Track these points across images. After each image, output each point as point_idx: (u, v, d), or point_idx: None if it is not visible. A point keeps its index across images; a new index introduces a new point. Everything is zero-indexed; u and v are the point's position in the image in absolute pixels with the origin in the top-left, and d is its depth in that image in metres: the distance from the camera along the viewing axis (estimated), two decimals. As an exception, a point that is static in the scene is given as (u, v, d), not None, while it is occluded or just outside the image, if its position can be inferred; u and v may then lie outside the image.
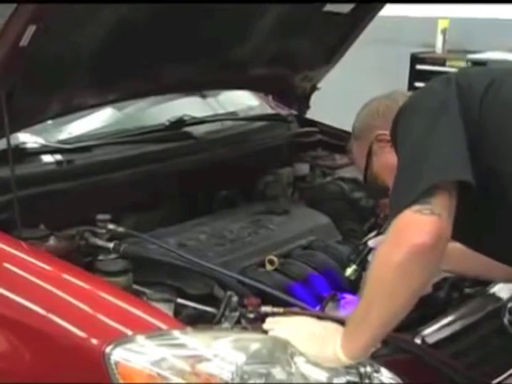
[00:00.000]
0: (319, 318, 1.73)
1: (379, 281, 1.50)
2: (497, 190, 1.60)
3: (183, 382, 1.54)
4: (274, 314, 1.74)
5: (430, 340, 1.82)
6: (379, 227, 2.16)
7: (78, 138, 2.55)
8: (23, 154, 2.30)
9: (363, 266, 2.04)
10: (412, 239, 1.46)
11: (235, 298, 1.84)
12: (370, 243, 2.04)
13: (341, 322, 1.68)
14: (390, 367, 1.66)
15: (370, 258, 2.05)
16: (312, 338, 1.61)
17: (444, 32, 5.38)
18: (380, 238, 2.01)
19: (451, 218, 1.51)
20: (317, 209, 2.64)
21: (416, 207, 1.48)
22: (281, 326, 1.67)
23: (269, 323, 1.70)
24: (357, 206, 2.61)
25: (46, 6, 1.81)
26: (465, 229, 1.59)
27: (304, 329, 1.64)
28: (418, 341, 1.80)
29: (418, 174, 1.52)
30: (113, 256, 2.03)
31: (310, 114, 3.12)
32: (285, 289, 2.04)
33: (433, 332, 1.85)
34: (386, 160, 1.90)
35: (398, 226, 1.50)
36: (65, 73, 2.12)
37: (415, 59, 5.29)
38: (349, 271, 2.06)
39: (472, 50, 5.21)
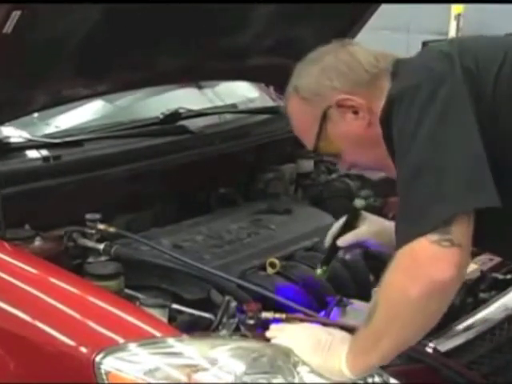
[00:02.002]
0: (324, 324, 1.73)
1: (394, 312, 1.50)
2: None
3: (178, 392, 1.54)
4: (275, 321, 1.74)
5: (443, 348, 1.82)
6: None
7: (66, 132, 2.55)
8: (7, 149, 2.30)
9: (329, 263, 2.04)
10: (432, 275, 1.45)
11: (234, 304, 1.83)
12: (339, 242, 2.00)
13: (347, 328, 1.68)
14: (400, 377, 1.66)
15: (341, 255, 2.05)
16: (317, 348, 1.61)
17: (458, 18, 5.39)
18: (349, 237, 1.98)
19: (470, 242, 1.50)
20: (321, 208, 2.63)
21: (434, 237, 1.45)
22: (284, 333, 1.67)
23: (272, 331, 1.69)
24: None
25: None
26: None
27: (309, 337, 1.64)
28: (429, 349, 1.80)
29: (436, 196, 1.48)
30: (103, 258, 2.04)
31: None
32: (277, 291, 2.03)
33: (445, 340, 1.84)
34: (347, 129, 1.76)
35: (414, 257, 1.47)
36: (51, 62, 2.11)
37: (427, 48, 5.31)
38: (318, 271, 2.04)
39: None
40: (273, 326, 1.71)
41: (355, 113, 1.73)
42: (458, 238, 1.46)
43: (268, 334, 1.69)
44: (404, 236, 1.50)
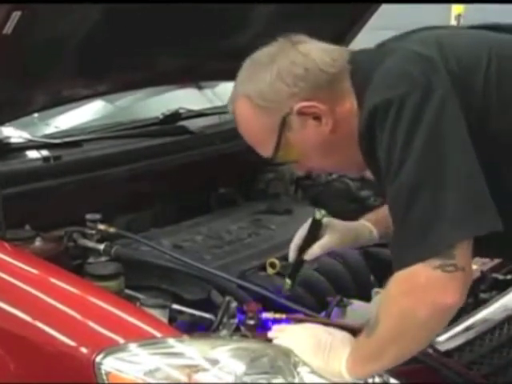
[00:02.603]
0: (325, 324, 1.73)
1: (400, 329, 1.51)
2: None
3: (179, 393, 1.54)
4: (275, 322, 1.74)
5: (443, 348, 1.82)
6: None
7: (66, 133, 2.55)
8: (7, 150, 2.30)
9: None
10: (439, 300, 1.46)
11: (234, 304, 1.83)
12: (306, 257, 1.94)
13: (347, 328, 1.67)
14: (400, 377, 1.66)
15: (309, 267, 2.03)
16: (318, 349, 1.61)
17: (458, 18, 5.39)
18: (315, 250, 1.92)
19: (471, 263, 1.49)
20: (321, 208, 2.63)
21: (437, 262, 1.44)
22: (285, 334, 1.67)
23: (273, 331, 1.69)
24: (364, 205, 2.60)
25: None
26: None
27: (309, 338, 1.64)
28: (429, 349, 1.80)
29: (436, 219, 1.44)
30: (103, 258, 2.04)
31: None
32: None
33: (446, 340, 1.84)
34: (309, 136, 1.65)
35: (417, 282, 1.46)
36: (52, 62, 2.11)
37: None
38: (286, 286, 1.98)
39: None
40: (275, 327, 1.71)
41: (317, 119, 1.63)
42: (460, 262, 1.45)
43: (269, 334, 1.69)
44: (403, 259, 1.48)
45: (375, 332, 1.54)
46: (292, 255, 1.96)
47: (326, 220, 1.94)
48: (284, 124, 1.65)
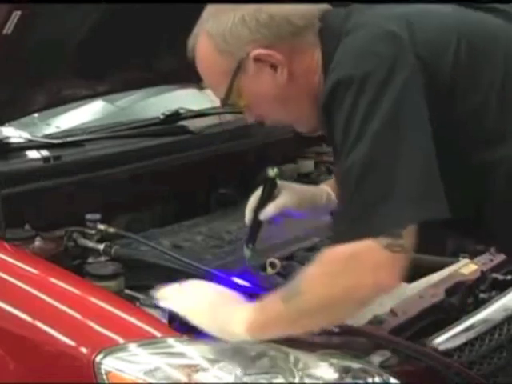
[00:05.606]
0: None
1: (328, 303, 1.48)
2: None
3: (178, 393, 1.54)
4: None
5: (443, 348, 1.82)
6: None
7: (67, 133, 2.55)
8: (7, 150, 2.30)
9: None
10: (383, 281, 1.44)
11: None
12: (261, 216, 1.89)
13: (347, 330, 1.68)
14: (400, 377, 1.66)
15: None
16: (208, 308, 1.59)
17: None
18: (270, 209, 1.87)
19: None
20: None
21: (386, 241, 1.42)
22: (173, 295, 1.65)
23: (161, 293, 1.66)
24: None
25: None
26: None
27: (199, 298, 1.62)
28: (429, 349, 1.80)
29: (389, 198, 1.43)
30: (103, 258, 2.03)
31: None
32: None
33: (445, 340, 1.84)
34: (262, 84, 1.63)
35: (364, 260, 1.43)
36: (52, 62, 2.12)
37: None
38: (247, 252, 1.94)
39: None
40: (163, 289, 1.67)
41: (273, 68, 1.61)
42: (408, 243, 1.44)
43: (157, 295, 1.66)
44: (348, 234, 1.46)
45: (296, 301, 1.50)
46: (248, 217, 1.92)
47: (281, 182, 1.91)
48: (240, 68, 1.63)
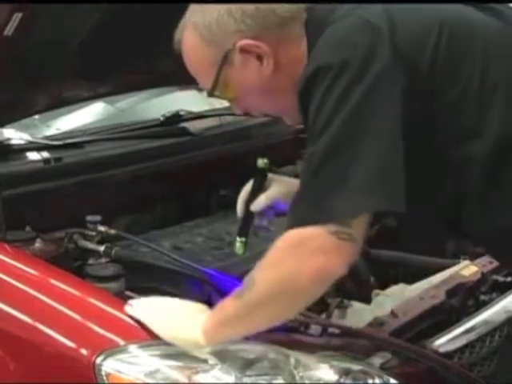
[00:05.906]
0: (325, 326, 1.72)
1: (278, 291, 1.48)
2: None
3: (179, 394, 1.54)
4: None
5: (444, 350, 1.82)
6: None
7: (67, 134, 2.55)
8: (8, 151, 2.30)
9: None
10: (325, 265, 1.44)
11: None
12: (252, 207, 1.88)
13: (347, 331, 1.68)
14: (400, 378, 1.66)
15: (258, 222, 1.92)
16: (171, 318, 1.61)
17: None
18: (261, 200, 1.87)
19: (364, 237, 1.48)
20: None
21: (333, 228, 1.42)
22: (139, 306, 1.67)
23: (128, 304, 1.69)
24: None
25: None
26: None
27: (162, 309, 1.64)
28: (430, 351, 1.80)
29: (344, 186, 1.43)
30: (104, 260, 2.03)
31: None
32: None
33: (446, 342, 1.84)
34: (248, 76, 1.63)
35: (309, 244, 1.44)
36: (52, 64, 2.12)
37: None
38: (237, 244, 1.91)
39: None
40: (131, 301, 1.70)
41: (259, 59, 1.60)
42: (356, 232, 1.44)
43: (126, 307, 1.68)
44: (299, 219, 1.47)
45: (249, 293, 1.50)
46: (240, 209, 1.92)
47: (272, 175, 1.92)
48: (226, 59, 1.62)
